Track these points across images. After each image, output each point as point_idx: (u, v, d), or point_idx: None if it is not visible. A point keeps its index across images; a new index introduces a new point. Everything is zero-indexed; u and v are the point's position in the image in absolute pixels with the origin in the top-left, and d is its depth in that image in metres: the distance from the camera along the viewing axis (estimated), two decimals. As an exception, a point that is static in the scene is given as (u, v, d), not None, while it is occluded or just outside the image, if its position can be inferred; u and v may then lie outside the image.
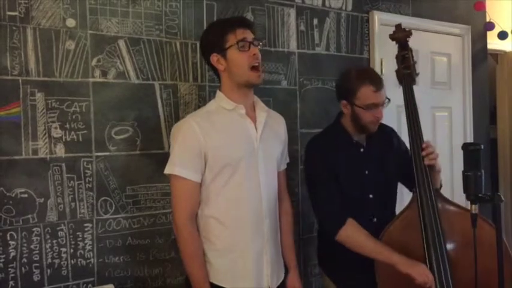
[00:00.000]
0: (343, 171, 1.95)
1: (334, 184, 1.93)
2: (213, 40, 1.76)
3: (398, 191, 2.15)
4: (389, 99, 1.96)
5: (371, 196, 2.00)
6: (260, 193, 1.78)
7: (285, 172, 2.01)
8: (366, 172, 2.01)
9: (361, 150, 2.02)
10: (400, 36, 2.07)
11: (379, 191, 2.02)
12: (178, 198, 1.72)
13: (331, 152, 1.97)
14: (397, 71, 2.06)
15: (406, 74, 2.02)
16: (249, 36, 1.75)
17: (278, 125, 1.94)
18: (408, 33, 2.05)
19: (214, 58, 1.76)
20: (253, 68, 1.74)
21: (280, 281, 1.88)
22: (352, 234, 1.87)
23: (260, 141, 1.79)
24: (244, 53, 1.72)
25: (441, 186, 2.04)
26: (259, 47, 1.77)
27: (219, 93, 1.81)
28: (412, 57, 2.05)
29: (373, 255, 1.84)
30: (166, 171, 1.72)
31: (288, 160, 2.03)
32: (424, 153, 1.88)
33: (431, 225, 1.82)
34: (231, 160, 1.72)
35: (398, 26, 2.09)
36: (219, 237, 1.75)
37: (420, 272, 1.75)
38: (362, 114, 1.92)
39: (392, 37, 2.09)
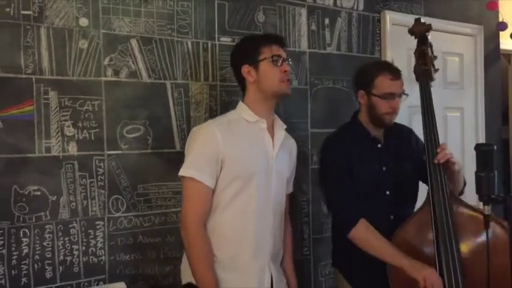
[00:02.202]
0: (360, 166, 1.93)
1: (350, 182, 1.91)
2: (247, 51, 1.80)
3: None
4: (407, 94, 1.96)
5: (388, 193, 1.98)
6: (269, 210, 1.78)
7: (290, 197, 2.01)
8: (384, 168, 1.99)
9: (379, 145, 2.01)
10: (419, 30, 2.02)
11: (396, 188, 1.99)
12: (191, 201, 1.69)
13: (347, 147, 1.95)
14: (414, 67, 2.03)
15: (424, 70, 1.98)
16: (283, 54, 1.79)
17: (291, 147, 1.96)
18: (428, 27, 2.01)
19: (246, 69, 1.78)
20: (283, 82, 1.77)
21: None
22: (364, 235, 1.85)
23: (275, 159, 1.80)
24: (276, 67, 1.76)
25: (465, 183, 2.01)
26: (289, 65, 1.82)
27: (241, 104, 1.82)
28: (432, 52, 2.01)
29: (383, 257, 1.82)
30: (182, 173, 1.70)
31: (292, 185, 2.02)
32: (438, 150, 1.84)
33: (443, 226, 1.79)
34: (244, 173, 1.72)
35: (417, 20, 2.04)
36: (221, 250, 1.73)
37: (426, 275, 1.70)
38: (378, 103, 1.92)
39: (411, 31, 2.05)
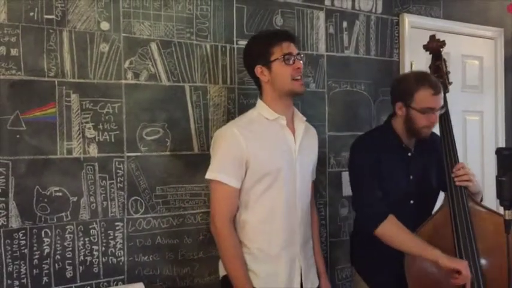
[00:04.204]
0: (388, 174, 1.94)
1: (377, 181, 1.91)
2: (258, 52, 1.82)
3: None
4: (443, 106, 1.94)
5: (412, 202, 1.99)
6: (296, 203, 1.83)
7: (313, 184, 2.04)
8: (411, 177, 1.99)
9: (409, 154, 2.01)
10: (434, 46, 2.12)
11: (420, 197, 2.00)
12: (218, 203, 1.77)
13: (378, 153, 1.95)
14: None
15: (439, 82, 2.01)
16: (294, 50, 1.82)
17: (313, 137, 1.99)
18: (442, 44, 2.10)
19: (259, 70, 1.82)
20: (295, 79, 1.79)
21: (315, 287, 1.92)
22: (392, 230, 1.83)
23: (298, 153, 1.84)
24: (288, 66, 1.78)
25: (481, 200, 2.02)
26: (301, 60, 1.83)
27: (260, 102, 1.86)
28: (446, 66, 2.09)
29: (413, 250, 1.80)
30: (208, 176, 1.78)
31: (315, 172, 2.05)
32: (453, 175, 1.89)
33: (462, 225, 1.83)
34: (271, 170, 1.77)
35: (432, 37, 2.14)
36: (253, 242, 1.80)
37: (465, 266, 1.71)
38: (417, 118, 1.90)
39: (426, 47, 2.15)
